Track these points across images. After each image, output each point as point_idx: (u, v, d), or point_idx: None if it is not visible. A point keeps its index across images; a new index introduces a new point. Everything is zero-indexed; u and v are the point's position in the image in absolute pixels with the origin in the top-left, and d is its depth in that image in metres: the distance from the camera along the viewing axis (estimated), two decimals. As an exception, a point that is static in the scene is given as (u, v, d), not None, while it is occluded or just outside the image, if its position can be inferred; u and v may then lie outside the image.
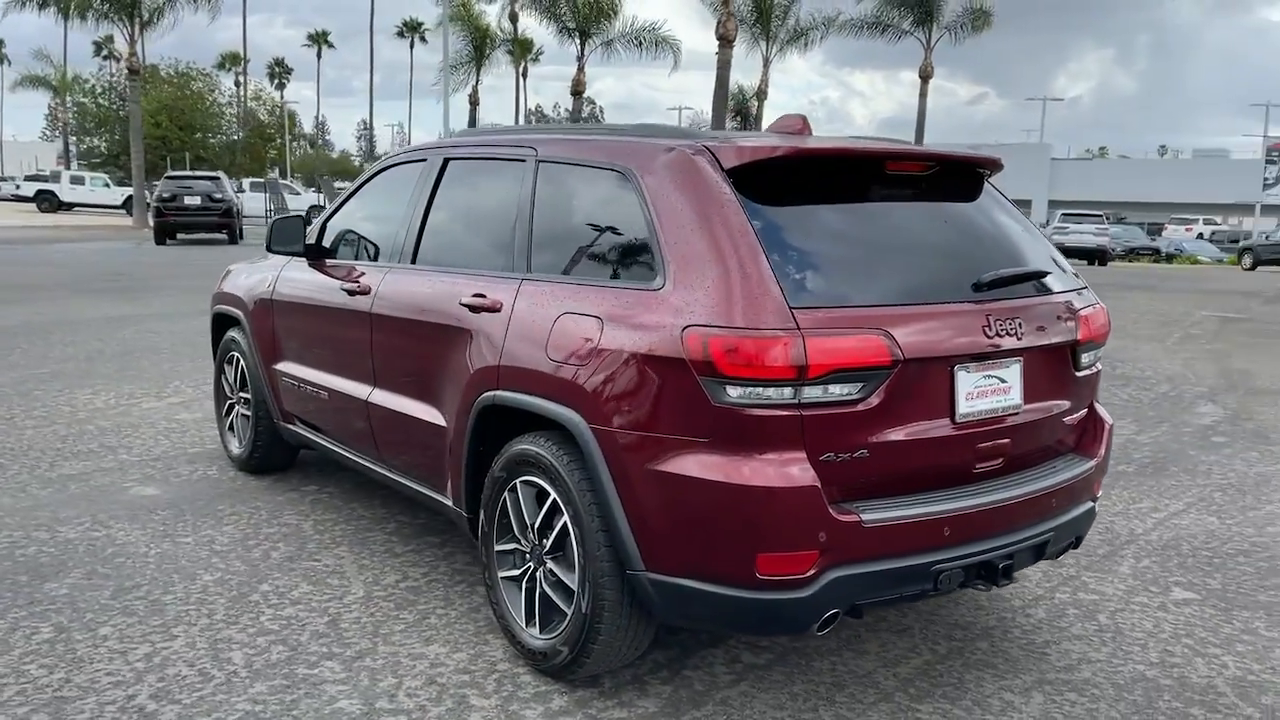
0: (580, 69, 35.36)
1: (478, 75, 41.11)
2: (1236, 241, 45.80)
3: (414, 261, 4.06)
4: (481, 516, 3.52)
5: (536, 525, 3.28)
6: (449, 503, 3.80)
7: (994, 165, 3.48)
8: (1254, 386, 9.09)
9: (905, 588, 2.92)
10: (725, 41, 24.34)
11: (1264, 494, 5.62)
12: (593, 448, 2.98)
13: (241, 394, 5.46)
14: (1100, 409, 3.58)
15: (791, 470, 2.70)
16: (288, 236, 4.70)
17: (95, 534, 4.52)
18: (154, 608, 3.76)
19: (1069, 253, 32.28)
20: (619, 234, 3.22)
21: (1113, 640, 3.70)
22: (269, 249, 4.83)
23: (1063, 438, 3.39)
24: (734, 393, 2.72)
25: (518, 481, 3.35)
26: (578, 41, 34.68)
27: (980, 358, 3.01)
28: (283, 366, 4.93)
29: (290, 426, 5.03)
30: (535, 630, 3.31)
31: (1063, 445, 3.40)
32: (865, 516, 2.77)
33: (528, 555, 3.36)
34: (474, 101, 42.23)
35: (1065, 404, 3.35)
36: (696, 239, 2.89)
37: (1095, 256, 31.20)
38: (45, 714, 3.01)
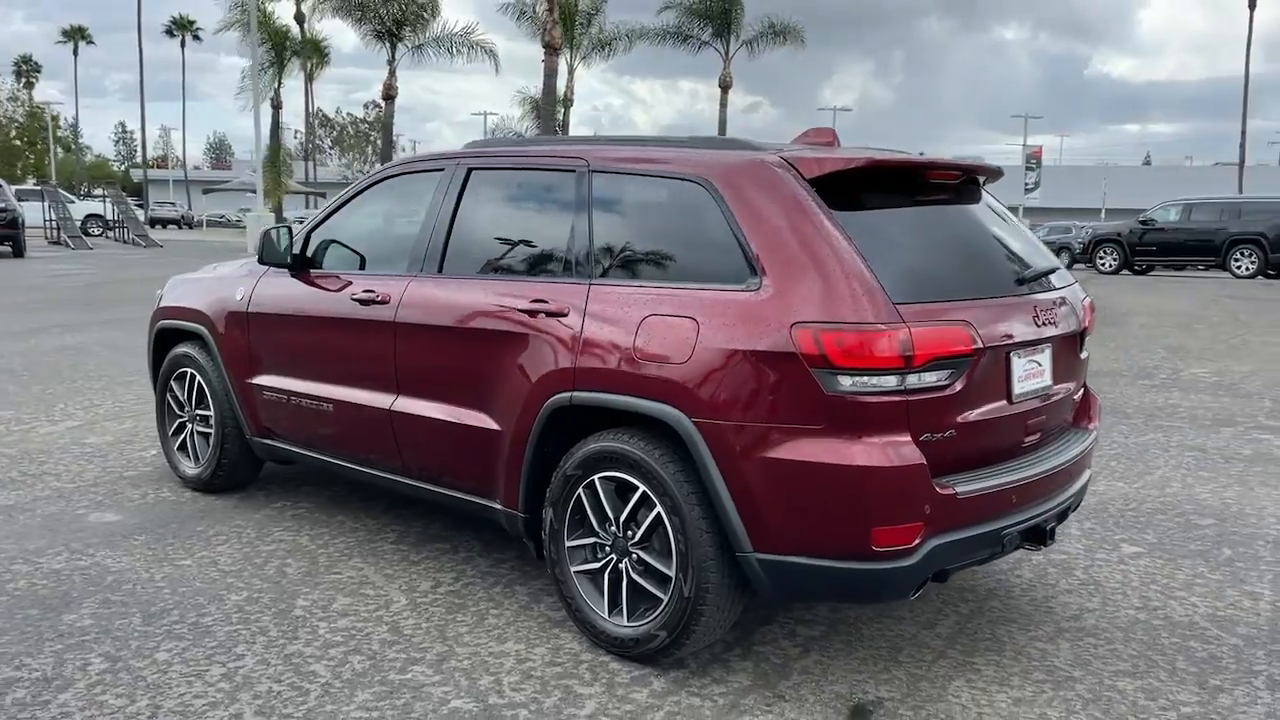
0: (391, 73, 34.70)
1: (279, 79, 39.58)
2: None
3: (440, 270, 4.10)
4: (549, 515, 3.63)
5: (622, 518, 3.43)
6: (497, 506, 3.88)
7: (996, 174, 3.90)
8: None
9: (981, 552, 3.28)
10: (550, 49, 24.59)
11: (1149, 460, 6.39)
12: (697, 440, 3.17)
13: (198, 411, 5.26)
14: (1090, 389, 4.07)
15: (903, 450, 3.00)
16: (283, 248, 4.61)
17: (81, 562, 4.29)
18: (200, 630, 3.66)
19: None
20: (698, 240, 3.42)
21: (1098, 591, 4.20)
22: (263, 262, 4.71)
23: (1070, 414, 3.85)
24: (846, 382, 2.98)
25: (596, 477, 3.49)
26: (389, 45, 34.02)
27: (1028, 344, 3.41)
28: (263, 380, 4.81)
29: (268, 441, 4.91)
30: (621, 619, 3.46)
31: (1069, 421, 3.86)
32: (958, 489, 3.10)
33: (608, 547, 3.50)
34: (276, 106, 40.59)
35: (1074, 384, 3.81)
36: (792, 244, 3.14)
37: None
38: (156, 740, 2.93)
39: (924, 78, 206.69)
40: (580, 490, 3.55)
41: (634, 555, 3.43)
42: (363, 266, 4.59)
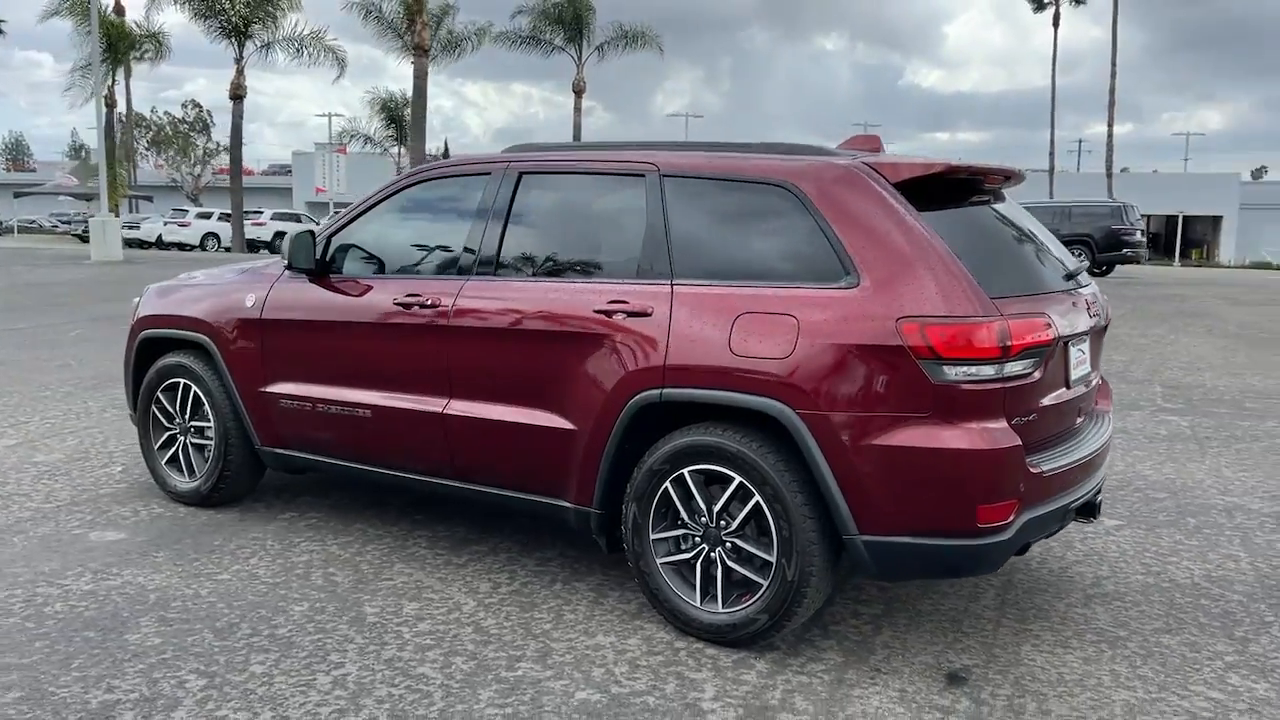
0: (240, 71, 33.37)
1: (113, 76, 37.41)
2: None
3: (495, 274, 4.13)
4: (632, 510, 3.73)
5: (716, 508, 3.57)
6: (567, 504, 3.94)
7: (1021, 178, 4.22)
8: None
9: (1052, 525, 3.57)
10: (420, 50, 24.18)
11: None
12: (803, 431, 3.34)
13: (193, 423, 5.08)
14: (1103, 375, 4.46)
15: (1004, 434, 3.26)
16: (309, 252, 4.53)
17: (111, 581, 4.11)
18: (282, 641, 3.59)
19: None
20: (784, 242, 3.59)
21: (1103, 560, 4.59)
22: (292, 268, 4.60)
23: (1097, 398, 4.21)
24: (951, 372, 3.22)
25: (685, 471, 3.61)
26: (236, 43, 32.71)
27: (1079, 335, 3.73)
28: (281, 388, 4.70)
29: (282, 451, 4.80)
30: (715, 606, 3.60)
31: (1095, 404, 4.22)
32: (1043, 467, 3.38)
33: (698, 538, 3.63)
34: (110, 104, 38.36)
35: (1098, 372, 4.17)
36: (887, 244, 3.36)
37: None
38: (304, 750, 2.89)
39: (751, 85, 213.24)
40: (667, 484, 3.66)
41: (727, 544, 3.57)
42: (382, 270, 4.57)
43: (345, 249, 4.64)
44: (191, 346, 5.08)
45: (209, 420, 5.01)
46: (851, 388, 3.31)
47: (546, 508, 4.06)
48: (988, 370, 3.24)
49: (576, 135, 45.09)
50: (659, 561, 3.72)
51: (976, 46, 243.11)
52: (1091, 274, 25.35)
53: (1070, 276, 3.85)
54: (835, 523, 3.36)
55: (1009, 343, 3.24)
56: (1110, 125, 48.93)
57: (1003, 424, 3.28)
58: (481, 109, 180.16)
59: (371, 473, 4.56)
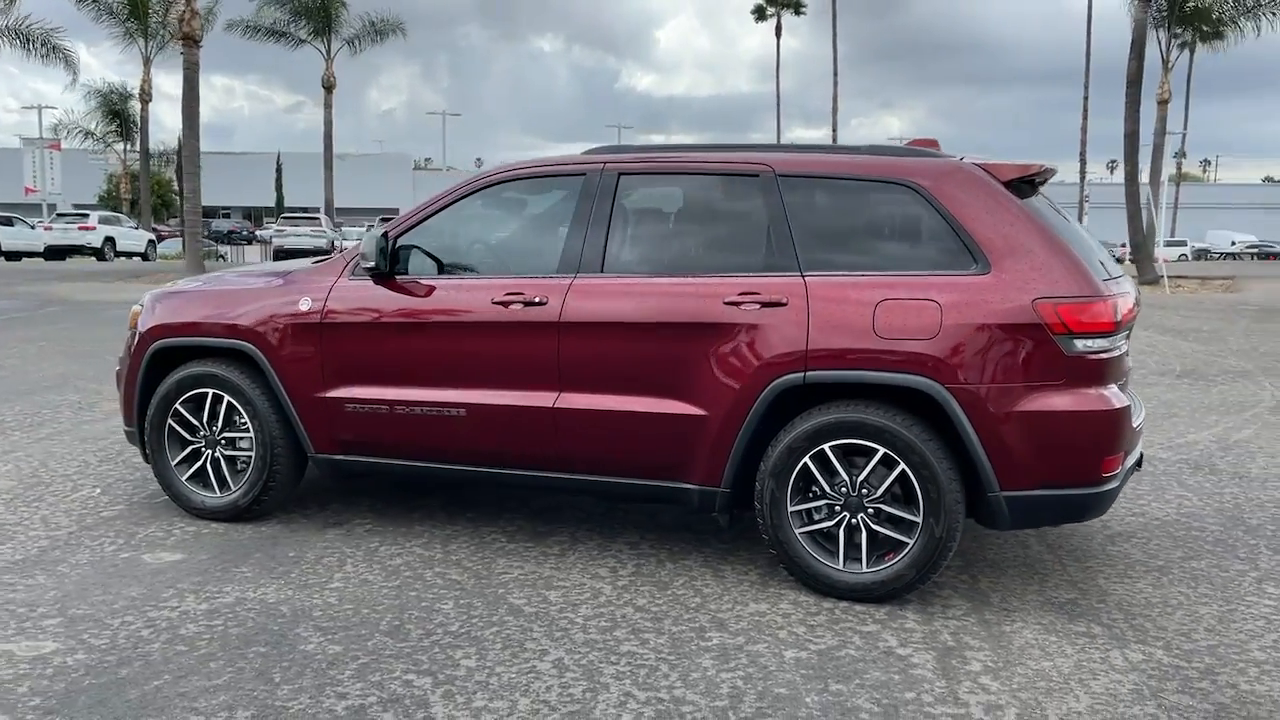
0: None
1: None
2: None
3: (602, 271, 4.28)
4: (769, 486, 4.02)
5: (859, 478, 3.93)
6: (691, 485, 4.17)
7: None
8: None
9: (1130, 475, 4.18)
10: (190, 41, 22.65)
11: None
12: (952, 403, 3.78)
13: (225, 434, 4.86)
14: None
15: (1119, 395, 3.83)
16: (385, 255, 4.47)
17: (224, 599, 3.94)
18: (465, 636, 3.63)
19: (292, 254, 35.99)
20: (908, 234, 4.02)
21: (1095, 508, 5.32)
22: (368, 270, 4.51)
23: None
24: (1080, 344, 3.75)
25: (825, 446, 3.95)
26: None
27: (1130, 311, 4.37)
28: (348, 392, 4.59)
29: (340, 457, 4.70)
30: (859, 567, 3.96)
31: None
32: (1135, 423, 3.99)
33: (839, 507, 3.98)
34: None
35: None
36: (1011, 234, 3.85)
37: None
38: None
39: (471, 84, 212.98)
40: (807, 459, 3.98)
41: (869, 510, 3.94)
42: (459, 269, 4.60)
43: (410, 249, 4.61)
44: (224, 354, 4.85)
45: (244, 430, 4.81)
46: (994, 362, 3.77)
47: (664, 491, 4.26)
48: (1103, 342, 3.80)
49: (328, 133, 43.57)
50: (797, 532, 4.03)
51: (686, 52, 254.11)
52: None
53: (1118, 261, 4.50)
54: (981, 482, 3.81)
55: (1119, 317, 3.82)
56: (835, 130, 52.86)
57: (1114, 388, 3.85)
58: (175, 101, 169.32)
59: (454, 471, 4.57)
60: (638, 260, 4.34)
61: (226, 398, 4.83)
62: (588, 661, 3.44)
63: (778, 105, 60.56)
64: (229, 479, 4.90)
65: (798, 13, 59.46)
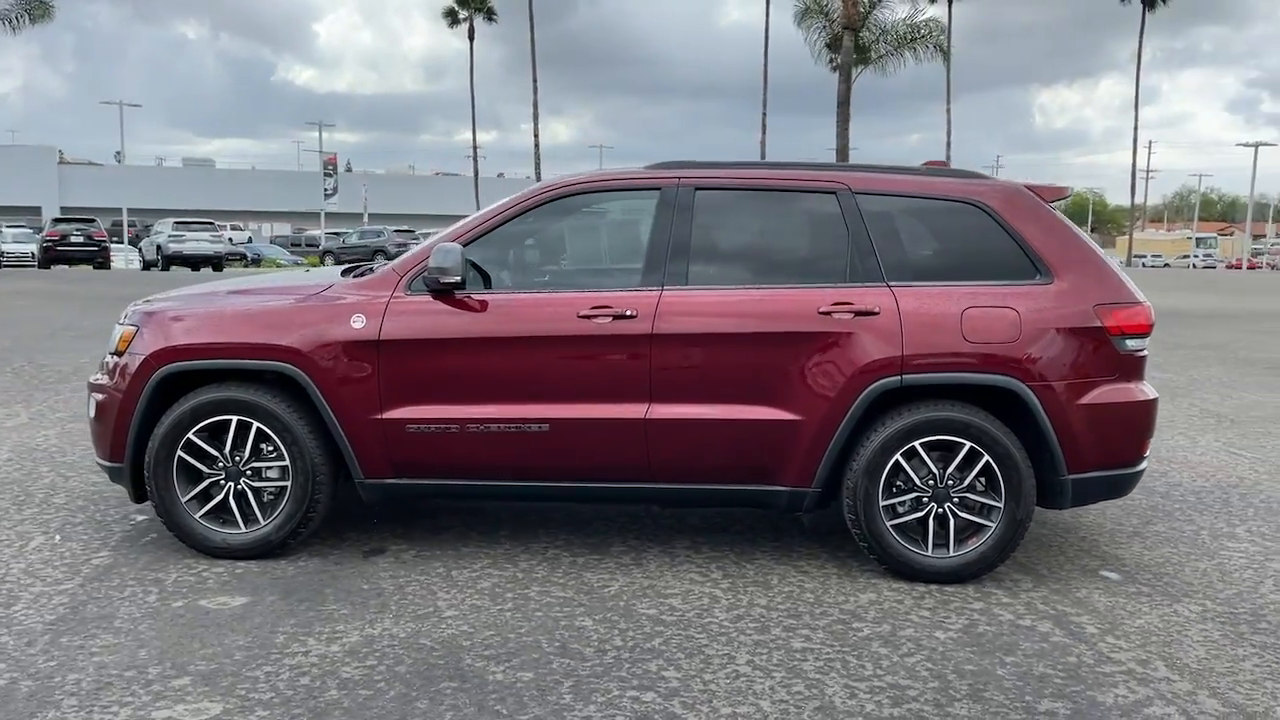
0: None
1: None
2: (314, 245, 51.04)
3: (687, 283, 4.39)
4: (862, 483, 4.32)
5: (949, 471, 4.32)
6: (781, 488, 4.40)
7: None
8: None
9: None
10: None
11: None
12: (1032, 399, 4.26)
13: (252, 463, 4.47)
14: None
15: (1151, 388, 4.47)
16: (457, 268, 4.31)
17: (350, 639, 3.70)
18: (654, 653, 3.64)
19: (186, 260, 33.47)
20: (978, 248, 4.45)
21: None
22: (440, 285, 4.31)
23: None
24: (1129, 344, 4.36)
25: (916, 443, 4.31)
26: None
27: None
28: (408, 412, 4.38)
29: (395, 480, 4.47)
30: (945, 552, 4.35)
31: None
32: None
33: (926, 498, 4.35)
34: None
35: None
36: (1067, 248, 4.40)
37: (212, 263, 33.84)
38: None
39: (101, 68, 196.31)
40: (898, 456, 4.32)
41: (955, 499, 4.34)
42: (524, 283, 4.55)
43: (468, 264, 4.47)
44: (251, 377, 4.47)
45: (272, 458, 4.46)
46: (1064, 361, 4.29)
47: (751, 494, 4.45)
48: (1143, 341, 4.43)
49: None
50: (889, 524, 4.35)
51: (348, 47, 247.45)
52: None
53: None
54: (1051, 468, 4.31)
55: (1153, 321, 4.46)
56: (536, 135, 53.83)
57: (1146, 381, 4.49)
58: None
59: (531, 488, 4.51)
60: (720, 273, 4.48)
61: (255, 424, 4.44)
62: (779, 660, 3.58)
63: (473, 108, 60.51)
64: (258, 512, 4.50)
65: (490, 19, 59.70)
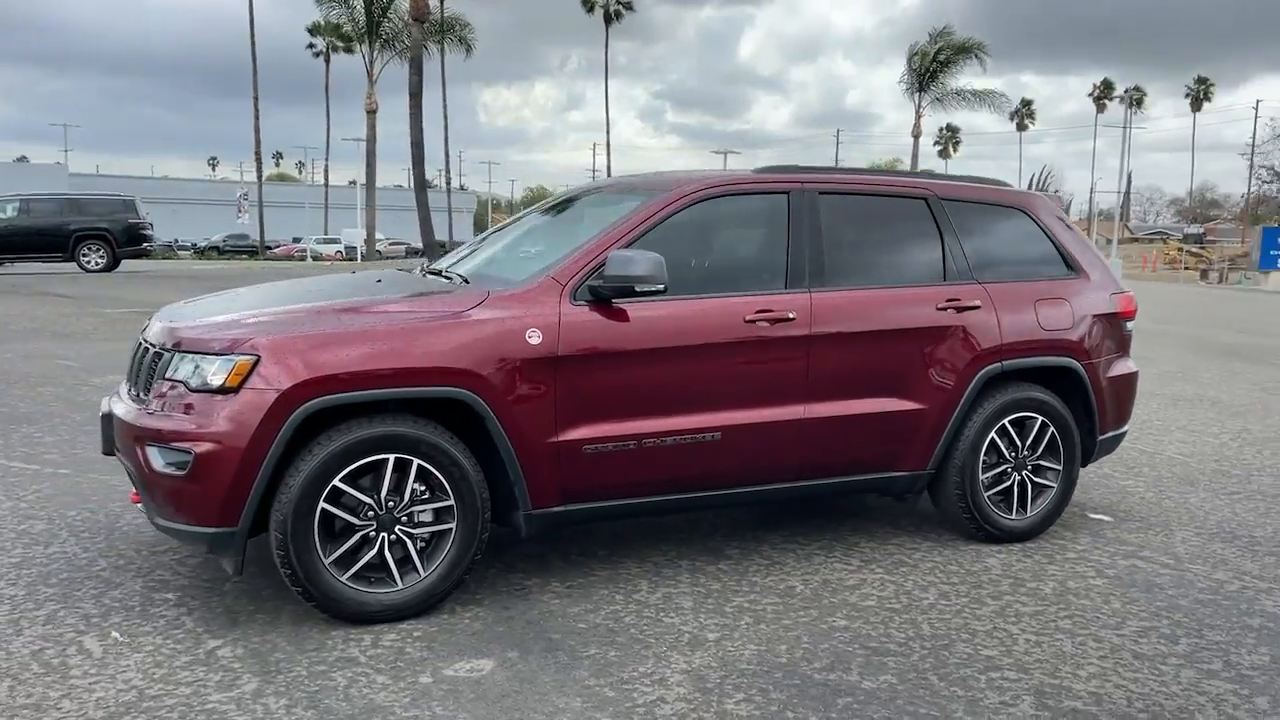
0: None
1: None
2: None
3: (826, 284, 4.56)
4: (969, 460, 4.83)
5: (1026, 442, 4.98)
6: (901, 472, 4.77)
7: None
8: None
9: None
10: None
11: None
12: (1083, 376, 5.07)
13: (409, 508, 3.86)
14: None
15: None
16: (662, 275, 4.06)
17: (671, 671, 3.45)
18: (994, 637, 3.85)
19: None
20: (1027, 248, 5.14)
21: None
22: (640, 292, 4.02)
23: None
24: (1128, 326, 5.34)
25: (1005, 420, 4.92)
26: None
27: None
28: (585, 432, 4.04)
29: (564, 508, 4.11)
30: (1025, 513, 5.02)
31: None
32: (1116, 382, 5.71)
33: (1010, 468, 4.97)
34: None
35: None
36: (1084, 248, 5.26)
37: None
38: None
39: None
40: (993, 433, 4.90)
41: (1028, 467, 5.02)
42: (708, 286, 4.51)
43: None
44: (410, 406, 3.85)
45: (425, 499, 3.89)
46: (1099, 343, 5.15)
47: (877, 482, 4.77)
48: (1133, 323, 5.43)
49: None
50: (986, 495, 4.91)
51: None
52: (110, 268, 24.56)
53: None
54: (1091, 433, 5.16)
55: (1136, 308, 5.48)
56: None
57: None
58: None
59: (693, 499, 4.40)
60: (847, 274, 4.67)
61: (416, 461, 3.82)
62: (1032, 612, 3.98)
63: None
64: (417, 563, 3.88)
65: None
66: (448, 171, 64.20)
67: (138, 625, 3.78)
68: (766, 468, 4.49)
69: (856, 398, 4.61)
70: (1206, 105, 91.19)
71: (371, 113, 46.29)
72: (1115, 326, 5.26)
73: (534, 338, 3.98)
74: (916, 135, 51.47)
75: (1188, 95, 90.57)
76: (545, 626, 3.86)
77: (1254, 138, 79.51)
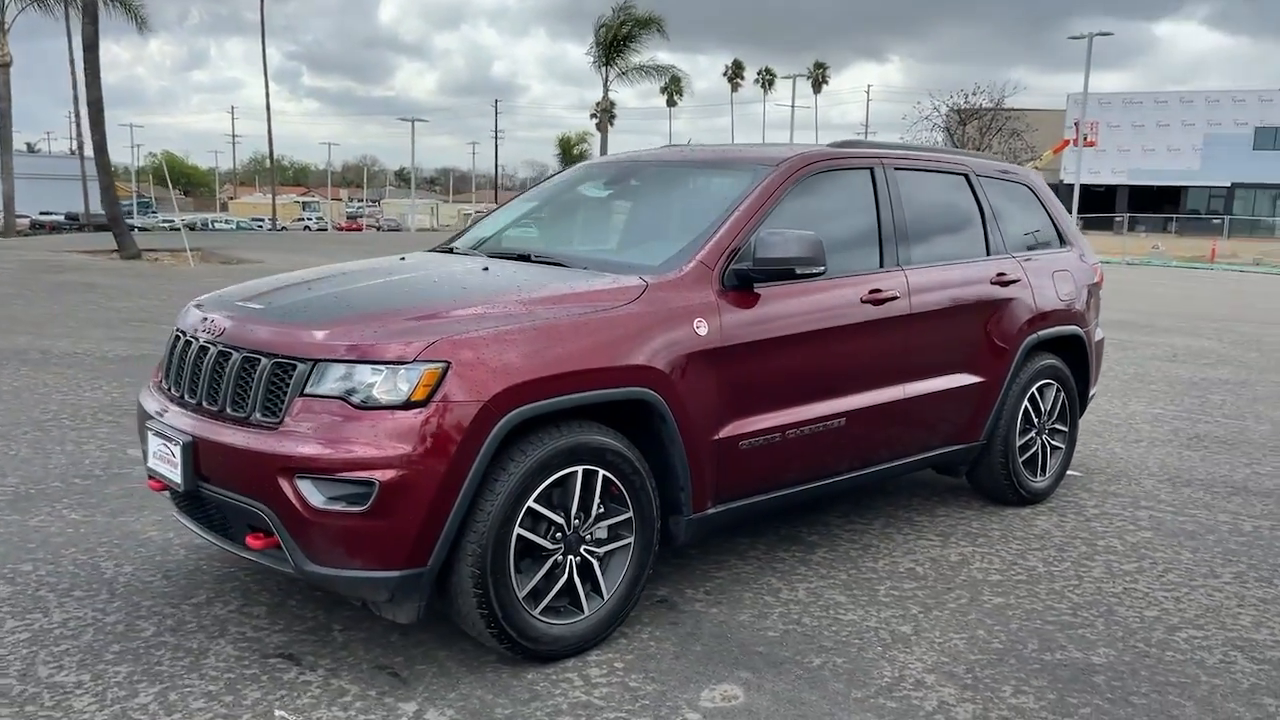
0: None
1: None
2: None
3: (911, 261, 4.52)
4: (1011, 429, 5.03)
5: (1047, 407, 5.25)
6: (960, 445, 4.87)
7: None
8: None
9: None
10: None
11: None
12: (1085, 343, 5.42)
13: (594, 525, 3.41)
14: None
15: (1094, 328, 5.96)
16: (822, 256, 3.81)
17: (913, 667, 3.33)
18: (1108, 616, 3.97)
19: None
20: (1032, 223, 5.37)
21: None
22: (799, 275, 3.74)
23: None
24: (1100, 293, 5.76)
25: (1034, 387, 5.16)
26: None
27: None
28: (739, 427, 3.74)
29: (719, 509, 3.80)
30: (1045, 475, 5.30)
31: None
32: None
33: (1035, 434, 5.23)
34: None
35: None
36: (1066, 220, 5.61)
37: None
38: None
39: None
40: (1025, 402, 5.12)
41: (1047, 431, 5.30)
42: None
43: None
44: (595, 411, 3.39)
45: (602, 512, 3.46)
46: (1090, 309, 5.51)
47: (943, 457, 4.83)
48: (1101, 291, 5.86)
49: None
50: (1020, 460, 5.13)
51: None
52: None
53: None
54: (1084, 396, 5.53)
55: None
56: None
57: (1090, 324, 5.96)
58: None
59: (812, 490, 4.20)
60: (924, 250, 4.64)
61: (602, 473, 3.38)
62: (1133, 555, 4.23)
63: None
64: (602, 586, 3.44)
65: None
66: (79, 135, 56.95)
67: (294, 698, 3.05)
68: (875, 450, 4.40)
69: (942, 374, 4.63)
70: (825, 88, 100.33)
71: (4, 66, 40.04)
72: (1094, 294, 5.65)
73: (701, 328, 3.63)
74: (605, 109, 52.40)
75: (809, 78, 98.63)
76: (738, 640, 3.55)
77: (867, 118, 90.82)
